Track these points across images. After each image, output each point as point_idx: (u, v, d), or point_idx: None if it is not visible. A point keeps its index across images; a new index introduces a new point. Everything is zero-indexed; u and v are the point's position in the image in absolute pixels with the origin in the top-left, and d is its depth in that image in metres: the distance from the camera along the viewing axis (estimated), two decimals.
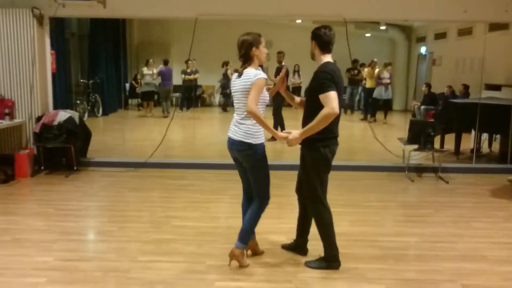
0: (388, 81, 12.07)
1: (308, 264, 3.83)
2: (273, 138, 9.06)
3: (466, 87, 10.12)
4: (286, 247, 4.15)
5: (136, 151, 7.96)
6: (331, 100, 3.42)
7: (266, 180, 3.68)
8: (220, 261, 3.84)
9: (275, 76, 9.36)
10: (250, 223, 3.71)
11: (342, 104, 3.64)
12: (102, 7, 6.71)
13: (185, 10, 6.82)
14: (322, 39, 3.62)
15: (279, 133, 3.67)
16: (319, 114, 3.43)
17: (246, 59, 3.59)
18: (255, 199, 3.71)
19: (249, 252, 3.96)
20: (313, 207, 3.74)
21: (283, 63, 9.37)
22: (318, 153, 3.59)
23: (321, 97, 3.46)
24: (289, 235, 4.44)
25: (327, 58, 3.65)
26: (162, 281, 3.52)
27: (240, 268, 3.73)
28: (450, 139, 8.22)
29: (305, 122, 3.61)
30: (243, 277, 3.60)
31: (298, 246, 4.05)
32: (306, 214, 3.95)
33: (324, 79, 3.48)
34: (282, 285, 3.49)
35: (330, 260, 3.77)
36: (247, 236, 3.72)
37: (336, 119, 3.57)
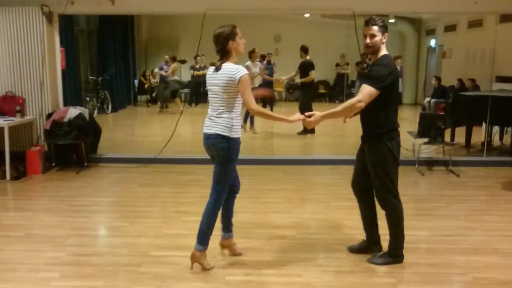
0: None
1: (372, 261, 3.73)
2: (303, 132, 9.24)
3: (473, 81, 10.03)
4: (355, 249, 3.93)
5: (145, 147, 7.99)
6: (366, 94, 3.35)
7: (232, 174, 3.59)
8: (230, 255, 3.85)
9: (301, 71, 9.43)
10: (207, 222, 3.53)
11: (399, 97, 3.63)
12: (110, 4, 6.74)
13: (194, 5, 6.82)
14: (387, 30, 3.50)
15: (290, 117, 3.60)
16: (347, 102, 3.45)
17: (224, 53, 3.47)
18: (213, 193, 3.56)
19: (227, 251, 3.87)
20: (386, 202, 3.62)
21: (307, 57, 9.41)
22: (384, 147, 3.49)
23: (363, 86, 3.39)
24: (299, 229, 4.44)
25: (385, 49, 3.52)
26: (173, 275, 3.54)
27: (234, 257, 3.74)
28: (460, 132, 8.15)
29: (364, 117, 3.57)
30: (253, 271, 3.60)
31: (371, 244, 3.87)
32: (370, 208, 3.83)
33: (377, 74, 3.37)
34: (292, 279, 3.50)
35: (395, 255, 3.71)
36: (205, 236, 3.55)
37: (395, 110, 3.55)
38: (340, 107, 3.49)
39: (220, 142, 3.46)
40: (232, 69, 3.41)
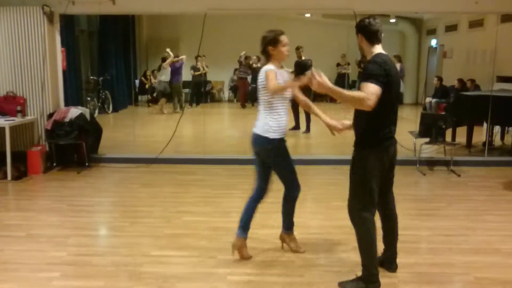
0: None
1: (342, 285, 3.37)
2: (294, 128, 9.26)
3: (473, 81, 10.04)
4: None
5: (146, 147, 7.99)
6: (369, 91, 2.96)
7: (287, 170, 3.73)
8: (231, 255, 3.85)
9: (296, 71, 9.46)
10: (291, 213, 3.87)
11: (398, 100, 3.32)
12: (111, 4, 6.74)
13: (194, 5, 6.81)
14: (368, 29, 3.23)
15: (301, 80, 3.30)
16: (357, 93, 3.04)
17: (266, 56, 3.66)
18: (286, 191, 3.79)
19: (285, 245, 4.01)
20: (353, 214, 3.31)
21: (303, 57, 9.44)
22: (366, 154, 3.21)
23: (362, 84, 3.04)
24: (300, 229, 4.43)
25: (378, 49, 3.23)
26: (174, 275, 3.54)
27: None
28: (461, 132, 8.15)
29: (356, 122, 3.29)
30: (255, 271, 3.60)
31: (386, 260, 3.59)
32: (390, 219, 3.52)
33: (372, 70, 3.06)
34: (293, 279, 3.49)
35: (369, 281, 3.27)
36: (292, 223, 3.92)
37: (393, 118, 3.25)
38: (349, 94, 3.06)
39: (259, 142, 3.62)
40: (262, 70, 3.58)
